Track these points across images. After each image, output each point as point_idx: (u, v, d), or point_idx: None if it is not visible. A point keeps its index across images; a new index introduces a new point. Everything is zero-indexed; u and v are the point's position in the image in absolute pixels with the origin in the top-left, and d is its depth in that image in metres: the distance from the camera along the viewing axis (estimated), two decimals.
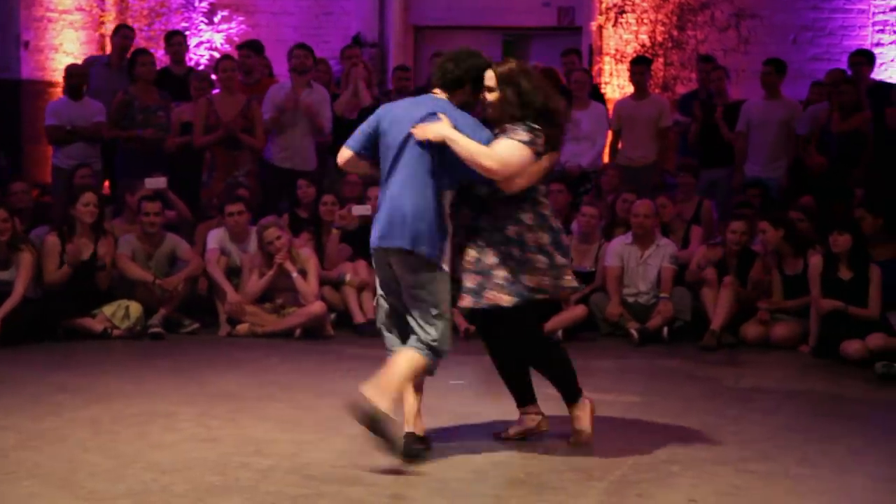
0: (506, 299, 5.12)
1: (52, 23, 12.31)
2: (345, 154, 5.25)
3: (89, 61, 10.97)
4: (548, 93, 5.18)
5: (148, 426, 5.59)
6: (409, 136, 5.05)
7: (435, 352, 5.04)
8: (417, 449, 5.06)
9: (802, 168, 9.95)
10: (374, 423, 4.79)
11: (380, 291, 5.25)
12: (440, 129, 4.99)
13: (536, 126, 5.08)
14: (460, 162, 4.99)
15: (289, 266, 8.32)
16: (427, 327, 5.03)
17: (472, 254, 5.18)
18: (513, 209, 5.16)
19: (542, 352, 5.44)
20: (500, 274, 5.13)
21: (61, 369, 6.99)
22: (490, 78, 5.15)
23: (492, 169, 4.98)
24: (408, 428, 5.15)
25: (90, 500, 4.50)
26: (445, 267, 5.07)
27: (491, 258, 5.14)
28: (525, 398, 5.46)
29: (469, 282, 5.17)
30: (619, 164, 10.25)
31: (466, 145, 4.97)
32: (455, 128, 5.00)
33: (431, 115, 5.05)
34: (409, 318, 5.09)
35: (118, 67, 10.34)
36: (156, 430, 5.53)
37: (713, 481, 4.86)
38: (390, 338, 5.24)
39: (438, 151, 5.01)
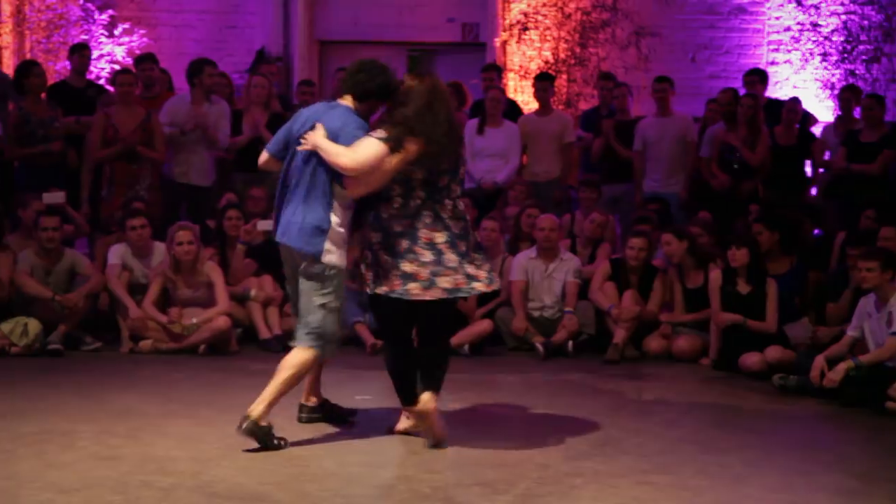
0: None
1: None
2: (263, 156, 5.73)
3: None
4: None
5: (46, 445, 5.47)
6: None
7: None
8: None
9: (702, 184, 10.14)
10: (255, 435, 5.37)
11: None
12: (312, 138, 5.37)
13: (397, 123, 5.40)
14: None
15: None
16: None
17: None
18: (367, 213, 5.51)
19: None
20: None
21: None
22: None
23: (346, 166, 5.29)
24: (301, 400, 5.89)
25: None
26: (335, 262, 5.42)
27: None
28: (415, 398, 5.62)
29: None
30: (523, 179, 10.34)
31: (328, 148, 5.33)
32: (340, 132, 5.34)
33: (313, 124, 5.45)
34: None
35: None
36: (54, 448, 5.42)
37: (615, 494, 4.93)
38: None
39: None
